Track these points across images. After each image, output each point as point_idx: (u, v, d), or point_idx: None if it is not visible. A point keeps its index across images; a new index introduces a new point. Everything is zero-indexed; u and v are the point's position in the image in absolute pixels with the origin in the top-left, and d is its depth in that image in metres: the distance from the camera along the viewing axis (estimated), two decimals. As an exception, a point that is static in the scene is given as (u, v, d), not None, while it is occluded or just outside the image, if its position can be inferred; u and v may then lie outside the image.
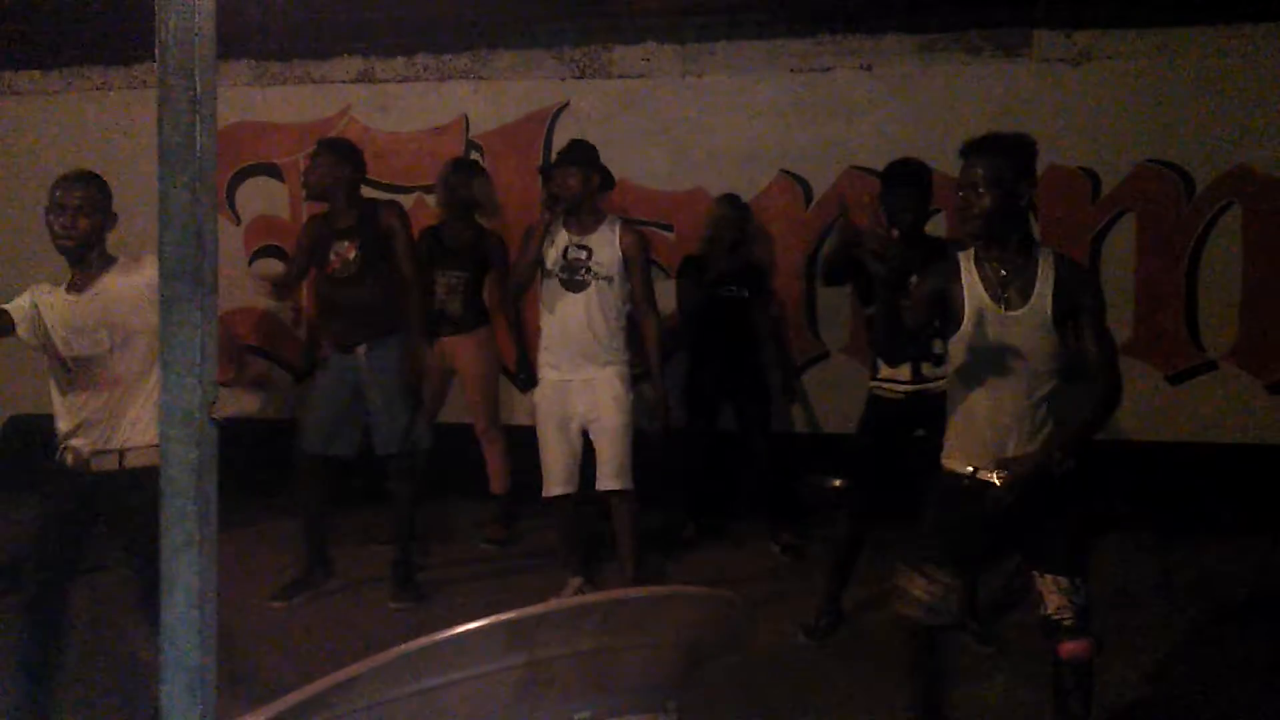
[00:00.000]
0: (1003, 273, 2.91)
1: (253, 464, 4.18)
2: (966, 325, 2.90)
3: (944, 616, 2.98)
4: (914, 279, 3.15)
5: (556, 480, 4.41)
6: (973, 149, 2.91)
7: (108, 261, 3.30)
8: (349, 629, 4.29)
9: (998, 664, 3.94)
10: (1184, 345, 5.57)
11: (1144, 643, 4.06)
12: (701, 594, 1.47)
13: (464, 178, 5.35)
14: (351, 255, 4.56)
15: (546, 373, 4.42)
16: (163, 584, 1.06)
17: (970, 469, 2.93)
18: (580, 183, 4.30)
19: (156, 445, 3.77)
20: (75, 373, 3.26)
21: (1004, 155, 2.86)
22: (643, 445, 4.49)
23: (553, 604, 1.33)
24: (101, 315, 3.23)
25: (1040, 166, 3.00)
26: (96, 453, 3.26)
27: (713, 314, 5.30)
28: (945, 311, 2.96)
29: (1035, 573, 2.90)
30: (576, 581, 4.56)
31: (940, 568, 2.95)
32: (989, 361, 2.89)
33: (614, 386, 4.36)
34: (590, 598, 1.47)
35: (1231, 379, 5.53)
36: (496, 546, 5.34)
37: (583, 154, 4.37)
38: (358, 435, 4.66)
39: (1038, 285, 2.89)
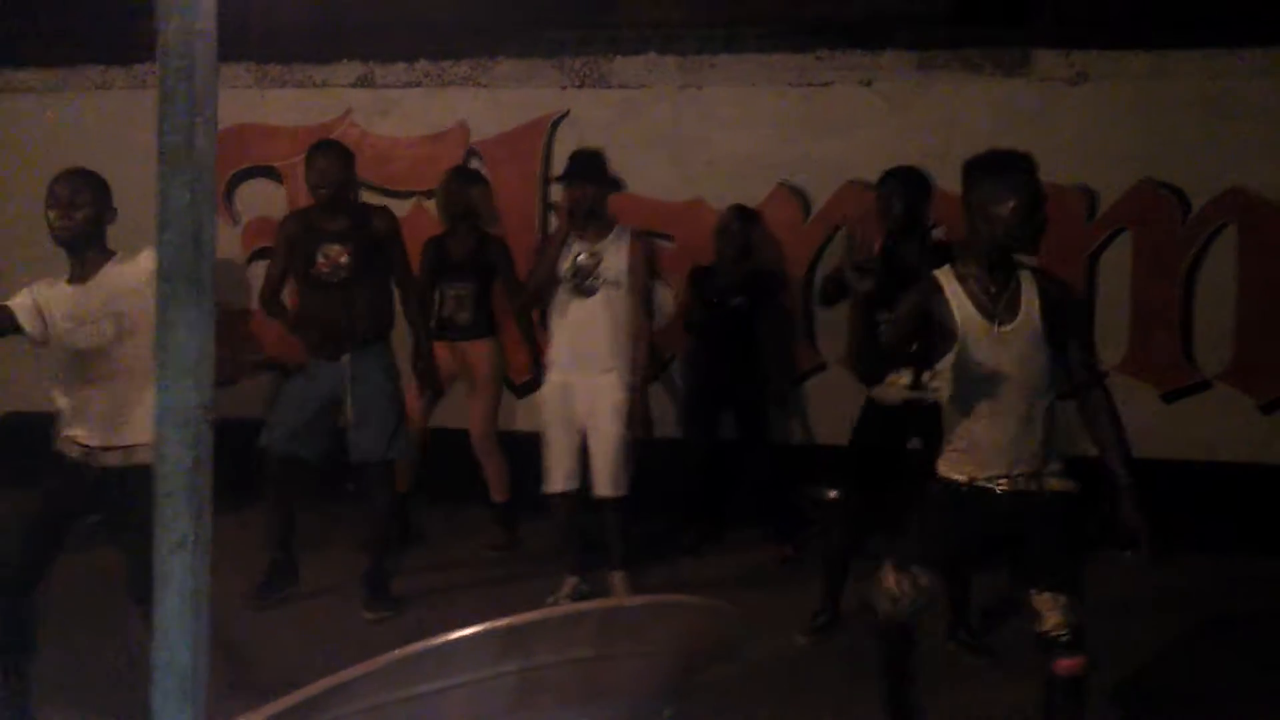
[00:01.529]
0: (992, 289, 2.92)
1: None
2: (961, 344, 2.89)
3: (908, 613, 3.00)
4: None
5: (558, 477, 4.53)
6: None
7: (106, 255, 3.30)
8: (342, 634, 4.26)
9: (989, 674, 3.94)
10: (1179, 364, 5.58)
11: (1137, 660, 4.06)
12: (697, 603, 1.46)
13: (465, 186, 5.32)
14: (344, 260, 4.47)
15: (552, 375, 4.56)
16: (156, 584, 1.06)
17: (967, 477, 2.94)
18: (590, 195, 4.40)
19: None
20: (78, 366, 3.23)
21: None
22: (645, 453, 4.54)
23: (548, 611, 1.33)
24: (105, 305, 3.21)
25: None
26: (102, 447, 3.23)
27: (716, 324, 5.30)
28: (931, 330, 2.95)
29: (1032, 590, 2.90)
30: (573, 580, 4.60)
31: (924, 570, 2.99)
32: (986, 379, 2.88)
33: (614, 394, 4.45)
34: (586, 605, 1.46)
35: (1225, 399, 5.53)
36: (498, 553, 5.33)
37: (590, 167, 4.47)
38: (326, 442, 4.60)
39: (1024, 300, 2.91)
